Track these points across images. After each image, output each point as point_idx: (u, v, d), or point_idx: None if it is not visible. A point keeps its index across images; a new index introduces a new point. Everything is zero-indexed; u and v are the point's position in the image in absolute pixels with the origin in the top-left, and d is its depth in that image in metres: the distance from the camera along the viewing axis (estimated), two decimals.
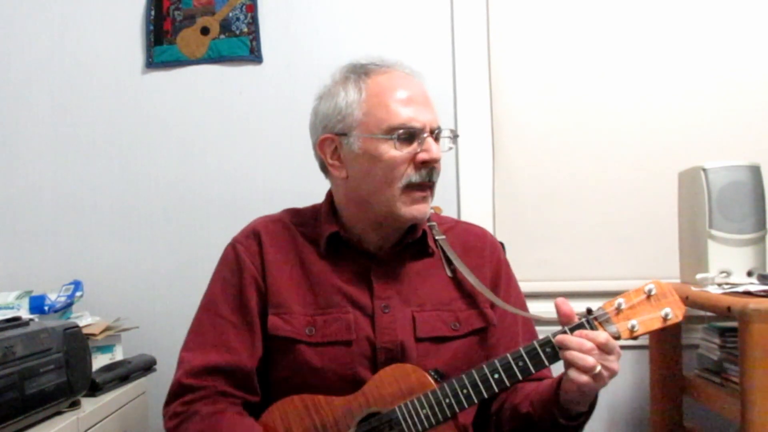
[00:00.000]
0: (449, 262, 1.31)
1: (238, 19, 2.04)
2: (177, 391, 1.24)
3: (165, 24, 2.06)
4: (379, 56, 1.29)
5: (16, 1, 2.09)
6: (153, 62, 2.07)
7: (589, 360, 1.07)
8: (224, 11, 2.04)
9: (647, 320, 1.11)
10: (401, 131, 1.20)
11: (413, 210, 1.24)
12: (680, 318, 1.11)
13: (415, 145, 1.21)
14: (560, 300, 1.14)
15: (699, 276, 1.59)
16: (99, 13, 2.08)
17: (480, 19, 2.02)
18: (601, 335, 1.09)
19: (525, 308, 1.37)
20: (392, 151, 1.20)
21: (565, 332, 1.12)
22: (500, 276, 1.35)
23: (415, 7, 2.03)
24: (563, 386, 1.13)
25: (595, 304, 1.94)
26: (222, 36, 2.04)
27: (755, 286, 1.47)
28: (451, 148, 1.30)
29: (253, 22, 2.04)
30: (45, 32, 2.09)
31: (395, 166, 1.21)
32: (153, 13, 2.06)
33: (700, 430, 1.82)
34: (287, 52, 2.04)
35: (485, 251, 1.35)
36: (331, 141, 1.26)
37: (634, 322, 1.11)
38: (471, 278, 1.27)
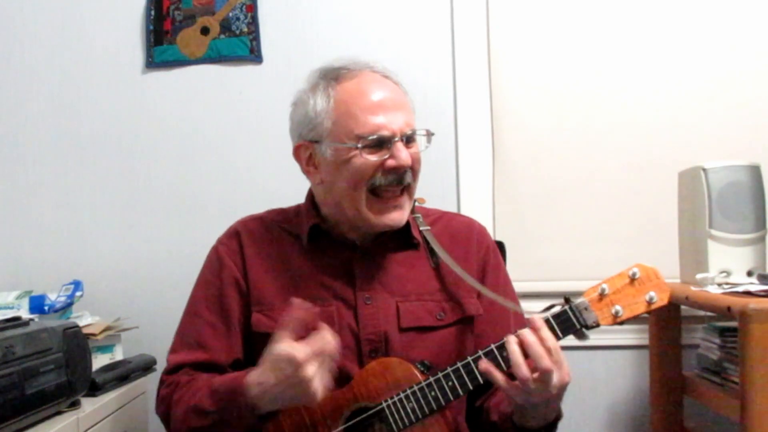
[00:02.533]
0: (433, 253, 1.31)
1: (238, 19, 2.04)
2: (158, 387, 1.30)
3: (165, 24, 2.06)
4: (352, 58, 1.29)
5: (16, 1, 2.09)
6: (153, 62, 2.07)
7: (524, 372, 1.05)
8: (224, 11, 2.04)
9: (631, 305, 1.10)
10: (369, 139, 1.20)
11: (385, 219, 1.24)
12: (665, 301, 1.10)
13: (384, 151, 1.21)
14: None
15: (699, 276, 1.59)
16: (99, 13, 2.08)
17: (480, 19, 2.02)
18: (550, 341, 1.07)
19: (513, 296, 1.37)
20: (361, 158, 1.20)
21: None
22: (488, 263, 1.35)
23: (415, 7, 2.02)
24: (507, 399, 1.14)
25: None
26: (222, 36, 2.04)
27: (755, 286, 1.47)
28: (427, 147, 1.29)
29: (253, 22, 2.04)
30: (45, 32, 2.09)
31: (363, 172, 1.21)
32: (153, 13, 2.06)
33: (700, 430, 1.82)
34: (287, 52, 2.04)
35: (472, 240, 1.36)
36: (306, 147, 1.28)
37: (618, 307, 1.10)
38: (456, 269, 1.27)
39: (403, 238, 1.32)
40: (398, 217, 1.25)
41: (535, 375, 1.05)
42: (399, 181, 1.23)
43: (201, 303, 1.31)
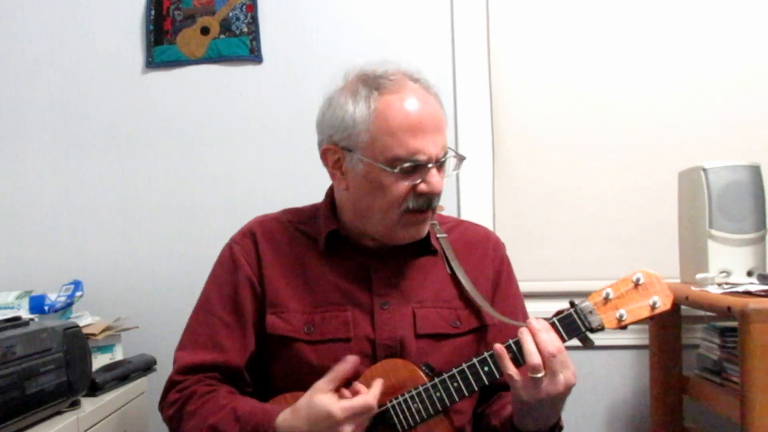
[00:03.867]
0: (450, 260, 1.31)
1: (238, 18, 2.04)
2: (169, 387, 1.27)
3: (165, 24, 2.06)
4: (393, 64, 1.25)
5: (16, 1, 2.09)
6: (153, 62, 2.07)
7: (536, 359, 1.06)
8: (224, 11, 2.04)
9: (635, 309, 1.12)
10: (406, 164, 1.17)
11: (411, 232, 1.24)
12: (668, 306, 1.12)
13: (416, 175, 1.19)
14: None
15: (699, 276, 1.60)
16: (99, 13, 2.08)
17: (480, 19, 2.02)
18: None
19: (524, 310, 1.37)
20: (393, 181, 1.19)
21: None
22: (501, 276, 1.35)
23: (415, 7, 2.03)
24: (512, 396, 1.14)
25: None
26: (222, 36, 2.04)
27: (755, 286, 1.47)
28: (456, 171, 1.27)
29: (253, 22, 2.04)
30: (45, 32, 2.09)
31: (394, 197, 1.19)
32: (153, 13, 2.06)
33: (700, 430, 1.82)
34: (287, 52, 2.04)
35: (488, 250, 1.36)
36: (334, 152, 1.24)
37: (622, 311, 1.12)
38: (464, 281, 1.27)
39: (421, 244, 1.31)
40: (423, 230, 1.26)
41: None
42: (428, 205, 1.22)
43: (214, 301, 1.29)
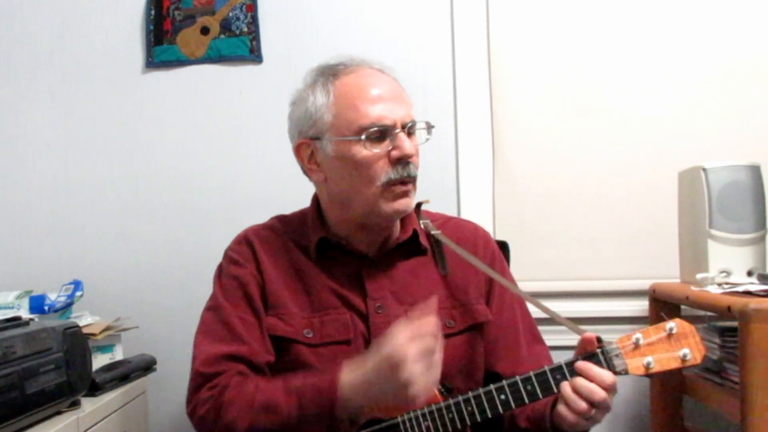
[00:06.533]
0: (442, 259, 1.31)
1: (238, 18, 2.04)
2: (199, 382, 1.22)
3: (165, 24, 2.06)
4: (348, 55, 1.29)
5: (16, 1, 2.10)
6: (153, 62, 2.07)
7: (582, 405, 1.07)
8: (224, 11, 2.04)
9: (664, 359, 1.09)
10: (371, 130, 1.20)
11: (396, 205, 1.23)
12: (698, 361, 1.09)
13: (387, 142, 1.21)
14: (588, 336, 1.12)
15: (699, 276, 1.59)
16: (99, 13, 2.08)
17: (480, 19, 2.02)
18: (608, 378, 1.08)
19: (521, 304, 1.37)
20: (364, 151, 1.20)
21: (573, 362, 1.11)
22: (494, 269, 1.34)
23: (415, 7, 2.03)
24: (556, 412, 1.12)
25: (595, 305, 1.95)
26: (222, 36, 2.05)
27: (755, 286, 1.47)
28: (427, 140, 1.29)
29: (253, 22, 2.04)
30: (45, 32, 2.09)
31: (370, 166, 1.20)
32: (153, 13, 2.06)
33: (700, 430, 1.82)
34: (287, 52, 2.04)
35: (478, 245, 1.36)
36: (307, 145, 1.27)
37: (650, 359, 1.09)
38: (471, 258, 1.28)
39: (411, 245, 1.31)
40: (407, 203, 1.25)
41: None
42: (408, 173, 1.22)
43: (227, 303, 1.27)
